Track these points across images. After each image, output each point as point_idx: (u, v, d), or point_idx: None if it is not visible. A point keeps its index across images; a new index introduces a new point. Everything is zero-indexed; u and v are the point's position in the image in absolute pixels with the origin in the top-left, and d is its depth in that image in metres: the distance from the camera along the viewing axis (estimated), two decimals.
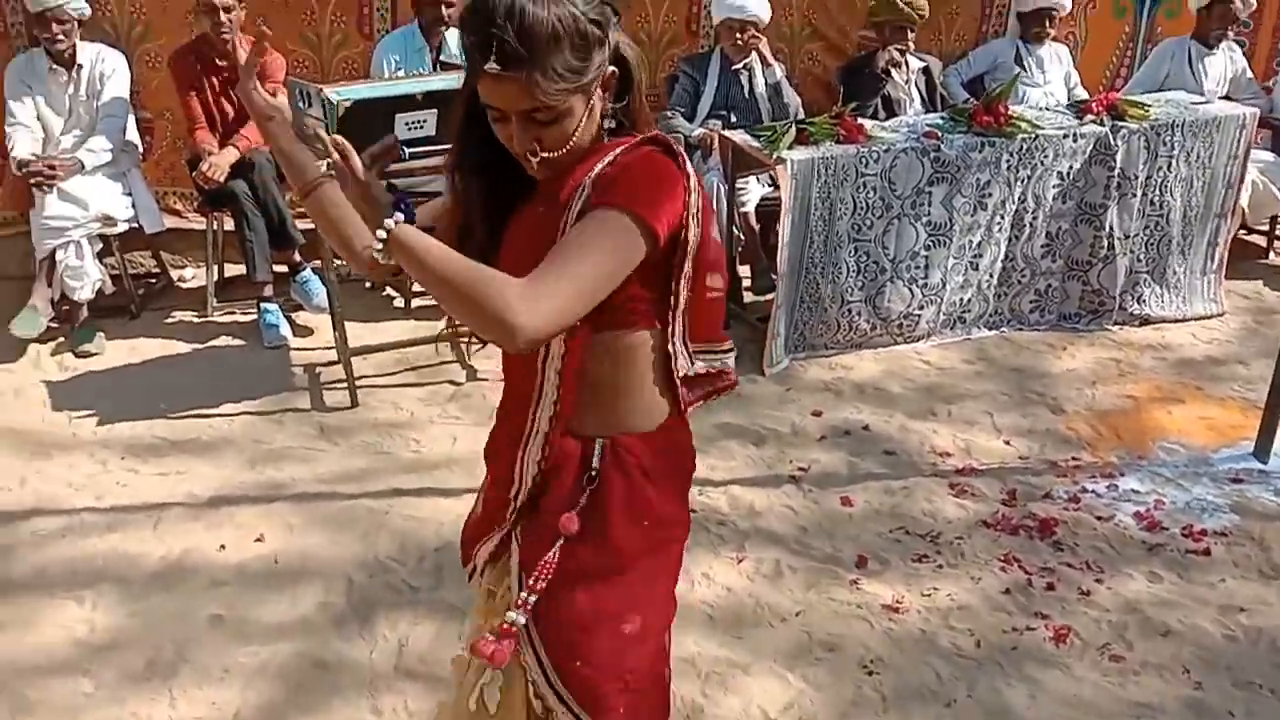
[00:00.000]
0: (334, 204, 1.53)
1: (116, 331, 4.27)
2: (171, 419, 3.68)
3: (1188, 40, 5.19)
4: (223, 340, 4.28)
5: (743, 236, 4.59)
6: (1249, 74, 5.35)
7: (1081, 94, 5.21)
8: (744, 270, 4.61)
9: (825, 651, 2.68)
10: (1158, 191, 4.45)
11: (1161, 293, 4.60)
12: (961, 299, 4.33)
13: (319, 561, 2.98)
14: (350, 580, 2.90)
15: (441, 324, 1.75)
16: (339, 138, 1.59)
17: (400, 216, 1.35)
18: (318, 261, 4.18)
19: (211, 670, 2.58)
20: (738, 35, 4.63)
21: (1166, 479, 3.45)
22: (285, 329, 4.28)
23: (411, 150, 3.57)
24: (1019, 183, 4.24)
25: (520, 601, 1.54)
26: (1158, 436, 3.72)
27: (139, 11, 4.51)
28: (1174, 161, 4.42)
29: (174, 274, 4.78)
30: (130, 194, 4.35)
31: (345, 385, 3.83)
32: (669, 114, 4.73)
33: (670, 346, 1.55)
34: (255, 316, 4.32)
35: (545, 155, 1.44)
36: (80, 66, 4.25)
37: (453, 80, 3.69)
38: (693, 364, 1.60)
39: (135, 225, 4.36)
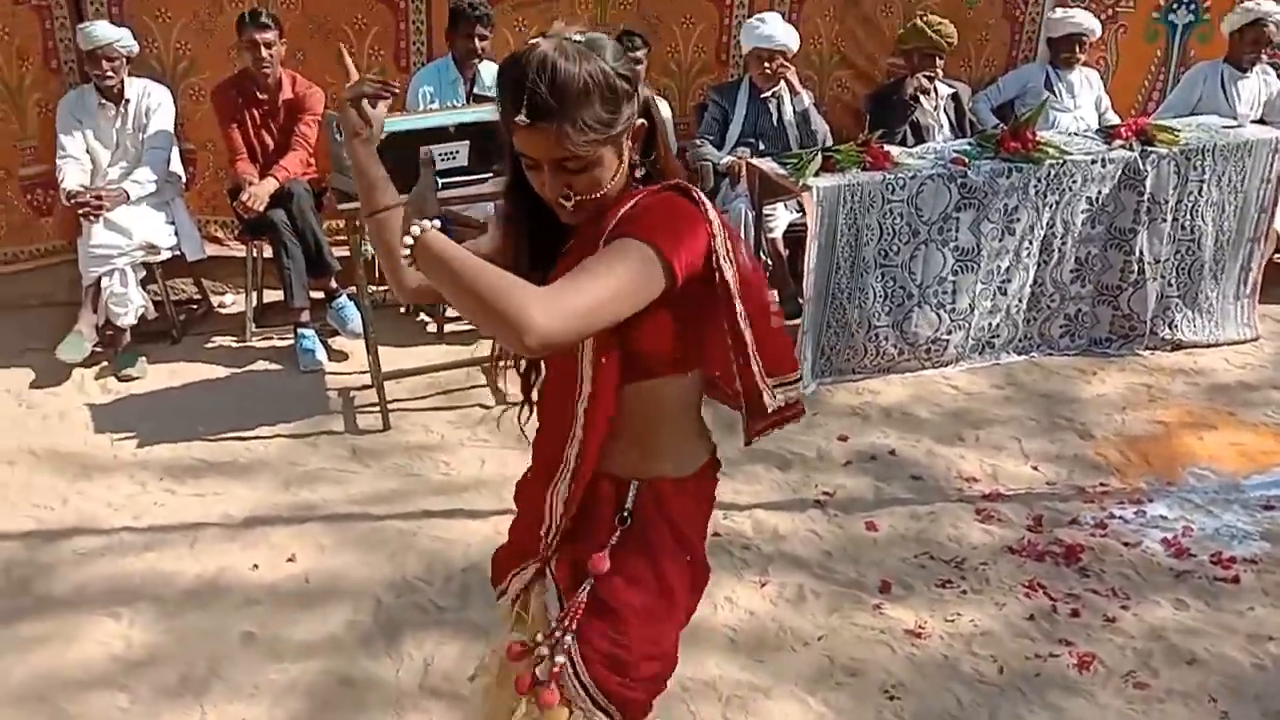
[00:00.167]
0: (394, 231, 1.58)
1: (158, 356, 4.39)
2: (209, 441, 3.78)
3: (1220, 64, 5.17)
4: (260, 364, 4.39)
5: (770, 262, 4.63)
6: None
7: (1113, 119, 5.21)
8: (771, 295, 4.63)
9: (847, 676, 2.69)
10: (1188, 216, 4.43)
11: (1193, 317, 4.56)
12: (990, 324, 4.33)
13: (349, 581, 3.04)
14: (378, 600, 2.96)
15: (472, 349, 1.84)
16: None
17: (428, 223, 1.40)
18: (353, 288, 4.27)
19: (242, 687, 2.64)
20: (766, 64, 4.70)
21: (1196, 505, 3.42)
22: (321, 353, 4.38)
23: (444, 180, 3.66)
24: (1047, 208, 4.24)
25: (556, 640, 1.62)
26: (1188, 462, 3.69)
27: (184, 48, 4.66)
28: (1205, 186, 4.40)
29: (214, 300, 4.90)
30: (173, 223, 4.49)
31: (378, 409, 3.91)
32: (698, 142, 4.80)
33: (758, 384, 1.62)
34: (292, 341, 4.43)
35: (576, 201, 1.50)
36: (128, 101, 4.40)
37: (485, 113, 3.78)
38: (775, 399, 1.66)
39: (178, 253, 4.49)
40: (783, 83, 4.77)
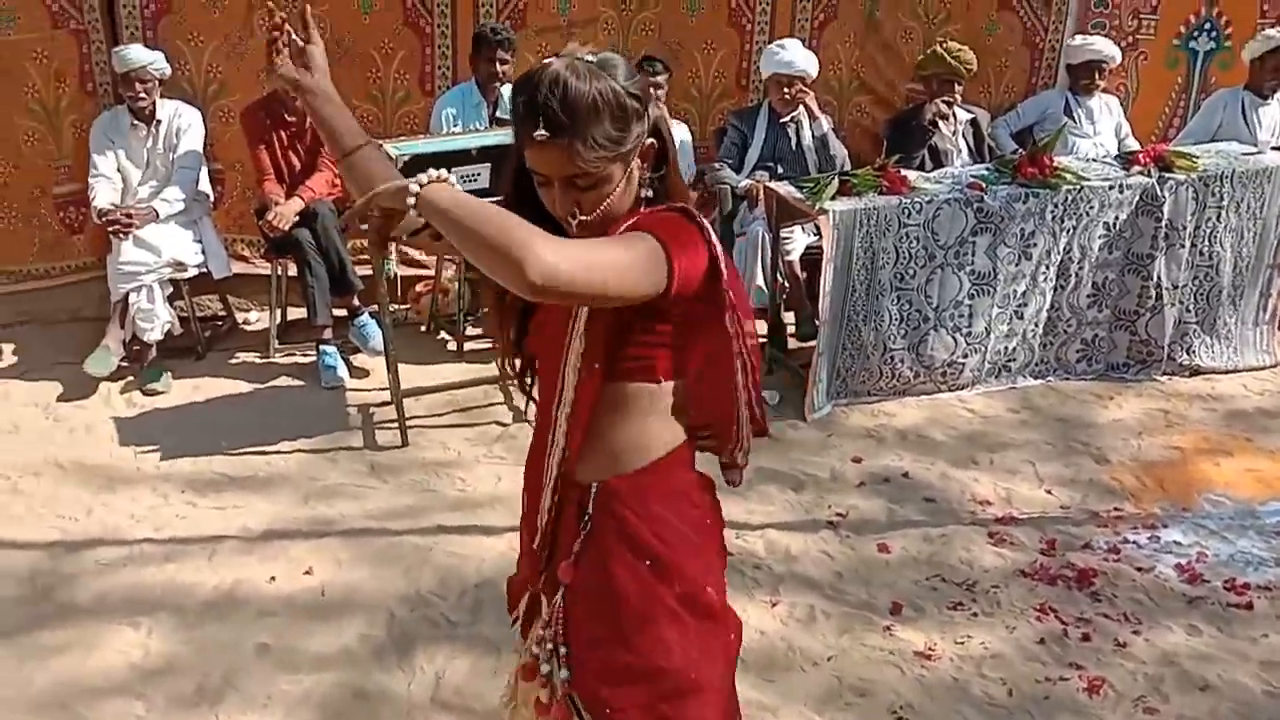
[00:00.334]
0: (370, 160, 1.63)
1: (183, 371, 4.47)
2: (231, 455, 3.84)
3: (1241, 91, 5.17)
4: (283, 380, 4.45)
5: (787, 284, 4.66)
6: None
7: (1132, 145, 5.21)
8: (788, 317, 4.67)
9: (856, 697, 2.70)
10: (1206, 242, 4.42)
11: (1212, 343, 4.55)
12: (1006, 348, 4.34)
13: (363, 595, 3.08)
14: (392, 614, 2.99)
15: (493, 366, 1.85)
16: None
17: (433, 172, 1.41)
18: (375, 306, 4.34)
19: (257, 697, 2.68)
20: (785, 89, 4.74)
21: (1210, 531, 3.41)
22: (342, 370, 4.44)
23: None
24: (1064, 233, 4.25)
25: (548, 653, 1.64)
26: (1203, 488, 3.67)
27: (215, 71, 4.77)
28: (1223, 212, 4.40)
29: (239, 317, 4.98)
30: (200, 241, 4.57)
31: (397, 425, 3.96)
32: (717, 165, 4.84)
33: (750, 400, 1.62)
34: (314, 358, 4.49)
35: (584, 218, 1.53)
36: (159, 122, 4.50)
37: (507, 136, 3.81)
38: (744, 454, 1.68)
39: (204, 270, 4.58)
40: (801, 108, 4.82)
